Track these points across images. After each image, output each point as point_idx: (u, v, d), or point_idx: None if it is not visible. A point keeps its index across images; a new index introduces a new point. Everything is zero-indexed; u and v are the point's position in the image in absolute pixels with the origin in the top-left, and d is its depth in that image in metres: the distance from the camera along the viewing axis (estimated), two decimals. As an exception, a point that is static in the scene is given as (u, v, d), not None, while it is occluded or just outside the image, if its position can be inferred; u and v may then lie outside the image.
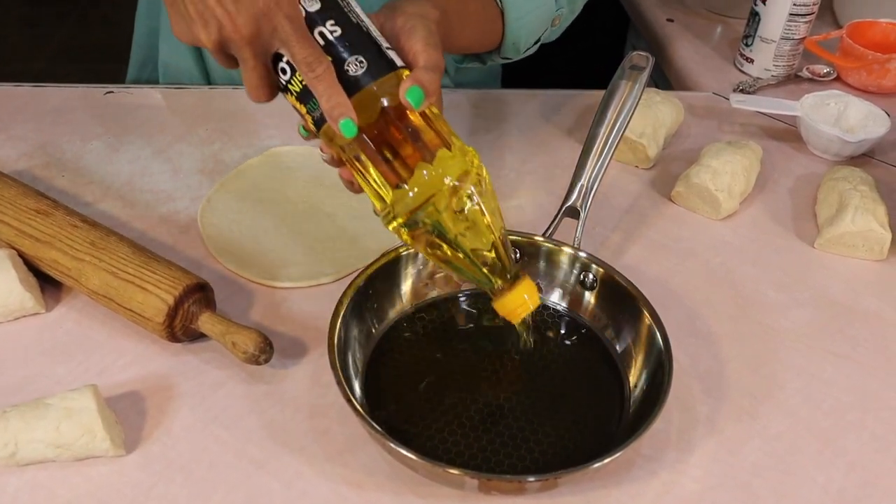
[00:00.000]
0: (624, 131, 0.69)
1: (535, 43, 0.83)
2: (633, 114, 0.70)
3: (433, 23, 0.59)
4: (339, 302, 0.59)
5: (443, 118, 0.55)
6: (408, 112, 0.52)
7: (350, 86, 0.52)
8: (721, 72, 1.05)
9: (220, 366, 0.61)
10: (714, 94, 0.98)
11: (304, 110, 0.54)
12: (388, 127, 0.52)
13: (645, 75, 0.71)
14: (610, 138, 0.69)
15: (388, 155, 0.52)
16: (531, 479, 0.51)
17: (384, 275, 0.63)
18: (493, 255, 0.54)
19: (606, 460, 0.50)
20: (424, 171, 0.51)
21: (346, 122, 0.51)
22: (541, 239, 0.66)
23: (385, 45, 0.54)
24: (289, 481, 0.54)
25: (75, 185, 0.78)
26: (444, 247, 0.53)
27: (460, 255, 0.54)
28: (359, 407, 0.52)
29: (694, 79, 1.05)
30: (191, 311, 0.61)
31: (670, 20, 1.17)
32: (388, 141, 0.52)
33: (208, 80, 0.96)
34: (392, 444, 0.50)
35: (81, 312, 0.65)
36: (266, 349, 0.59)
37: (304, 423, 0.58)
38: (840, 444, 0.59)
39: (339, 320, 0.58)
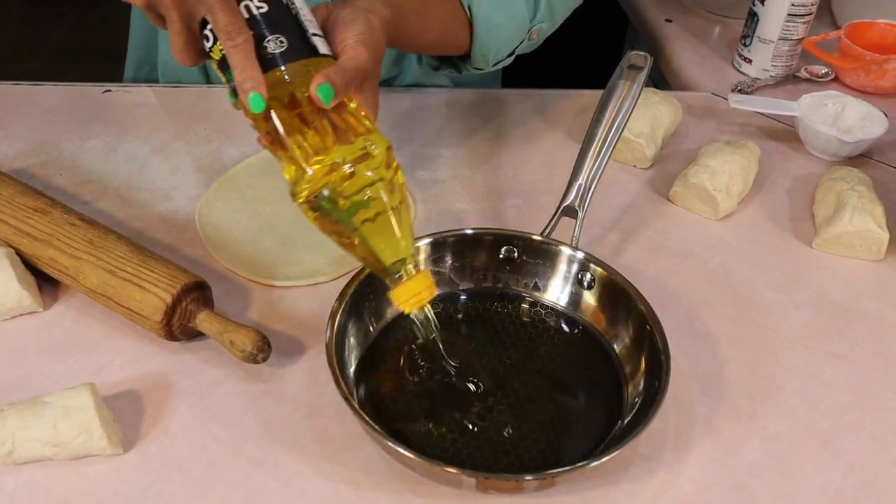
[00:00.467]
0: (622, 131, 0.69)
1: (510, 55, 0.82)
2: (631, 113, 0.70)
3: (378, 19, 0.60)
4: (337, 300, 0.59)
5: (359, 108, 0.56)
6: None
7: (266, 63, 0.53)
8: (719, 72, 1.05)
9: (217, 364, 0.61)
10: (712, 94, 0.98)
11: (224, 79, 0.56)
12: (298, 108, 0.53)
13: (643, 75, 0.71)
14: (608, 138, 0.69)
15: (297, 136, 0.53)
16: (528, 477, 0.51)
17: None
18: (393, 244, 0.54)
19: (604, 459, 0.50)
20: (323, 155, 0.52)
21: (254, 97, 0.52)
22: (539, 238, 0.66)
23: (313, 31, 0.55)
24: (287, 480, 0.54)
25: (73, 184, 0.77)
26: (347, 234, 0.54)
27: (360, 242, 0.54)
28: (357, 406, 0.52)
29: (692, 79, 1.05)
30: (189, 309, 0.61)
31: (669, 20, 1.17)
32: (298, 121, 0.53)
33: (208, 79, 0.96)
34: (390, 443, 0.50)
35: (79, 311, 0.65)
36: (264, 348, 0.59)
37: (302, 421, 0.58)
38: (838, 444, 0.59)
39: (337, 319, 0.58)
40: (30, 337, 0.63)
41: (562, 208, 0.68)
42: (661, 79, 1.14)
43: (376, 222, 0.54)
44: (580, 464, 0.50)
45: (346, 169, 0.52)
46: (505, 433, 0.56)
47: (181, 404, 0.59)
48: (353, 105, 0.56)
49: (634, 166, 0.85)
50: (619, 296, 0.62)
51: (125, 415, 0.58)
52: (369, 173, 0.53)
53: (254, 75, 0.52)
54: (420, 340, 0.61)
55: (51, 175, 0.78)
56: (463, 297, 0.67)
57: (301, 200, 0.53)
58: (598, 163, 0.68)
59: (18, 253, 0.65)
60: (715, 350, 0.65)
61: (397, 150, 0.56)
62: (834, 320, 0.69)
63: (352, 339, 0.60)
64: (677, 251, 0.75)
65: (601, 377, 0.61)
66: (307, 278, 0.69)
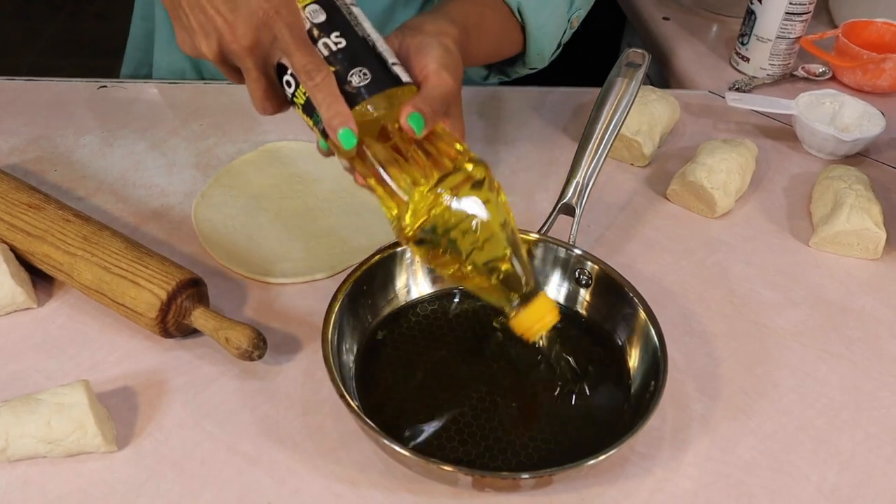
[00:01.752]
0: (620, 129, 0.69)
1: (559, 47, 0.82)
2: (629, 111, 0.70)
3: (451, 40, 0.58)
4: (334, 298, 0.59)
5: (450, 135, 0.54)
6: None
7: (351, 98, 0.51)
8: (717, 70, 1.05)
9: (212, 361, 0.61)
10: (710, 92, 0.98)
11: (310, 123, 0.53)
12: (390, 141, 0.51)
13: (641, 72, 0.71)
14: (606, 136, 0.69)
15: (394, 168, 0.51)
16: (525, 476, 0.51)
17: (379, 271, 0.63)
18: (508, 268, 0.52)
19: (600, 458, 0.49)
20: (423, 186, 0.50)
21: (344, 132, 0.50)
22: (536, 236, 0.66)
23: (392, 60, 0.53)
24: (281, 478, 0.54)
25: (68, 180, 0.77)
26: (458, 264, 0.52)
27: (473, 270, 0.52)
28: (352, 403, 0.52)
29: (690, 77, 1.05)
30: (184, 306, 0.60)
31: (666, 18, 1.17)
32: (392, 154, 0.51)
33: (202, 76, 0.96)
34: (386, 441, 0.49)
35: (73, 308, 0.65)
36: (259, 345, 0.59)
37: (297, 419, 0.58)
38: (833, 442, 0.59)
39: (334, 316, 0.57)
40: (24, 333, 0.63)
41: (559, 206, 0.68)
42: (658, 77, 1.14)
43: (486, 245, 0.51)
44: (576, 463, 0.49)
45: (449, 197, 0.50)
46: (501, 430, 0.56)
47: (175, 401, 0.58)
48: (441, 130, 0.53)
49: (632, 164, 0.85)
50: (616, 294, 0.62)
51: (119, 412, 0.57)
52: (473, 199, 0.50)
53: (341, 111, 0.50)
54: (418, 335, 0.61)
55: (45, 171, 0.78)
56: (460, 294, 0.66)
57: (409, 234, 0.50)
58: (595, 160, 0.68)
59: (12, 249, 0.65)
60: (711, 348, 0.65)
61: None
62: (830, 319, 0.69)
63: (348, 337, 0.60)
64: (674, 249, 0.75)
65: (600, 375, 0.61)
66: (303, 275, 0.69)
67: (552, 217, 0.68)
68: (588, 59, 1.19)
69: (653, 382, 0.56)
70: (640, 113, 0.84)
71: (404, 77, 0.53)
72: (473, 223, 0.50)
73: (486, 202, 0.51)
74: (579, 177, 0.68)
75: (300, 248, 0.71)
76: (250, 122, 0.87)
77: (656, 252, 0.74)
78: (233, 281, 0.68)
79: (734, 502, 0.55)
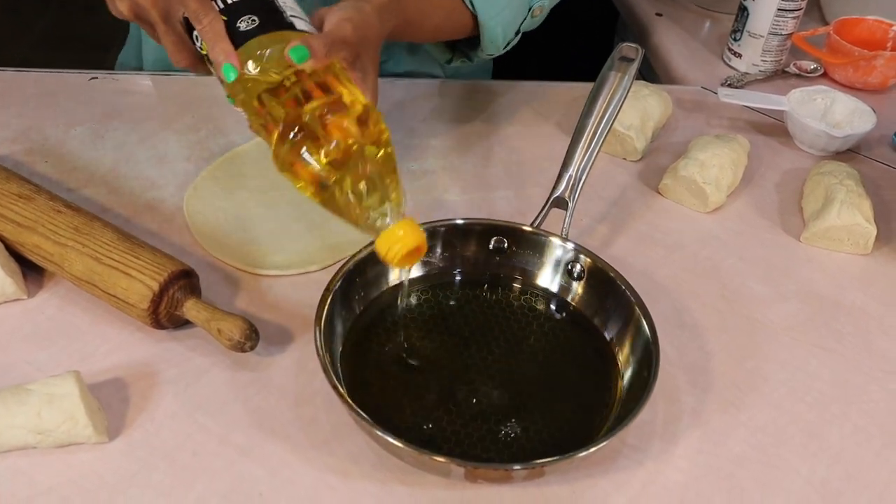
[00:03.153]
0: (613, 123, 0.69)
1: (517, 34, 0.83)
2: (622, 105, 0.70)
3: (371, 6, 0.62)
4: (327, 289, 0.59)
5: (349, 81, 0.56)
6: (309, 71, 0.54)
7: (238, 38, 0.55)
8: (709, 66, 1.06)
9: (204, 353, 0.61)
10: (702, 88, 0.99)
11: (214, 72, 0.57)
12: (291, 91, 0.54)
13: (634, 67, 0.71)
14: (599, 129, 0.69)
15: (273, 102, 0.54)
16: (517, 467, 0.51)
17: (371, 262, 0.63)
18: (375, 192, 0.53)
19: (591, 449, 0.50)
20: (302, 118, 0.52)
21: (226, 67, 0.55)
22: (529, 229, 0.66)
23: (291, 13, 0.57)
24: (274, 469, 0.54)
25: (58, 171, 0.77)
26: (326, 183, 0.53)
27: (342, 192, 0.53)
28: (345, 394, 0.52)
29: (682, 73, 1.05)
30: (176, 297, 0.60)
31: (659, 14, 1.17)
32: (277, 92, 0.54)
33: None
34: (378, 432, 0.49)
35: (64, 299, 0.64)
36: (251, 336, 0.59)
37: (289, 410, 0.58)
38: (824, 436, 0.59)
39: (326, 307, 0.57)
40: (13, 324, 0.62)
41: (552, 199, 0.68)
42: (650, 73, 1.14)
43: (357, 171, 0.53)
44: (568, 454, 0.49)
45: (317, 118, 0.52)
46: (493, 421, 0.56)
47: (167, 393, 0.58)
48: (340, 72, 0.56)
49: (624, 159, 0.85)
50: (608, 287, 0.62)
51: (110, 403, 0.57)
52: (345, 123, 0.52)
53: (225, 48, 0.55)
54: (404, 325, 0.61)
55: (35, 162, 0.77)
56: (452, 285, 0.66)
57: (280, 161, 0.54)
58: (588, 154, 0.68)
59: (2, 240, 0.64)
60: (702, 341, 0.66)
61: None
62: (821, 313, 0.70)
63: (340, 328, 0.60)
64: (666, 243, 0.75)
65: (592, 367, 0.61)
66: (296, 267, 0.69)
67: (544, 210, 0.68)
68: (580, 55, 1.19)
69: (645, 374, 0.56)
70: (632, 107, 0.84)
71: (300, 26, 0.57)
72: (334, 144, 0.52)
73: (352, 129, 0.53)
74: (572, 170, 0.68)
75: (293, 240, 0.71)
76: (244, 114, 0.86)
77: (648, 246, 0.75)
78: (224, 273, 0.68)
79: (725, 495, 0.55)
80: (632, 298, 0.60)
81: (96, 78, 0.90)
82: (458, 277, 0.67)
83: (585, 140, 0.69)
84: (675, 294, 0.70)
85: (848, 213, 0.73)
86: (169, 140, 0.82)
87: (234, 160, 0.80)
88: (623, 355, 0.60)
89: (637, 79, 0.74)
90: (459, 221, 0.67)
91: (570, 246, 0.65)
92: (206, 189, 0.76)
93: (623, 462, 0.56)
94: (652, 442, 0.57)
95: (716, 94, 0.93)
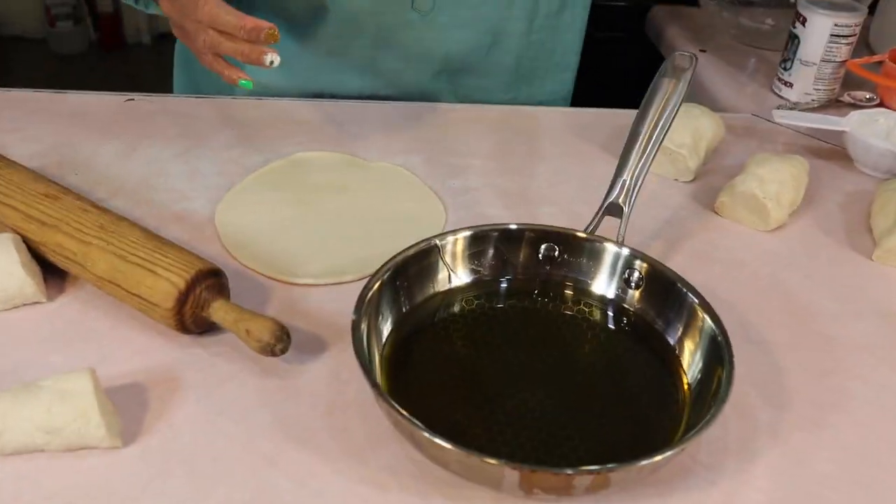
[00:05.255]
0: (669, 129, 0.65)
1: None
2: (676, 111, 0.66)
3: None
4: (369, 282, 0.54)
5: None
6: None
7: None
8: (758, 98, 1.02)
9: (230, 360, 0.56)
10: (754, 115, 0.95)
11: None
12: None
13: (689, 74, 0.68)
14: (654, 135, 0.65)
15: None
16: (578, 471, 0.44)
17: (417, 261, 0.58)
18: None
19: (667, 454, 0.44)
20: None
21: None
22: (582, 235, 0.62)
23: None
24: (301, 479, 0.48)
25: (88, 182, 0.74)
26: None
27: None
28: (383, 392, 0.46)
29: (731, 104, 1.02)
30: (203, 297, 0.56)
31: (703, 51, 1.15)
32: None
33: (232, 90, 0.94)
34: (422, 432, 0.44)
35: (84, 303, 0.60)
36: (283, 338, 0.54)
37: (320, 419, 0.52)
38: (920, 458, 0.52)
39: (367, 301, 0.53)
40: (30, 327, 0.58)
41: (606, 205, 0.64)
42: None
43: None
44: (638, 460, 0.43)
45: None
46: (547, 433, 0.50)
47: (188, 398, 0.53)
48: None
49: (676, 180, 0.81)
50: (668, 290, 0.57)
51: (127, 408, 0.52)
52: None
53: None
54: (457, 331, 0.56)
55: (65, 174, 0.75)
56: (499, 293, 0.61)
57: None
58: (643, 160, 0.64)
59: (26, 241, 0.61)
60: (773, 358, 0.60)
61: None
62: (902, 332, 0.63)
63: (381, 329, 0.55)
64: (726, 261, 0.70)
65: (654, 376, 0.55)
66: (330, 277, 0.64)
67: (598, 217, 0.63)
68: (623, 98, 1.16)
69: (714, 380, 0.50)
70: (684, 126, 0.80)
71: None
72: None
73: None
74: (626, 176, 0.64)
75: (327, 251, 0.67)
76: (280, 133, 0.84)
77: (706, 263, 0.69)
78: (255, 282, 0.64)
79: (812, 519, 0.48)
80: (695, 300, 0.55)
81: (132, 99, 0.89)
82: (504, 285, 0.62)
83: (640, 144, 0.65)
84: (739, 309, 0.64)
85: (924, 228, 0.68)
86: (202, 157, 0.80)
87: (269, 175, 0.77)
88: (688, 361, 0.55)
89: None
90: (513, 226, 0.62)
91: (625, 251, 0.60)
92: (238, 201, 0.73)
93: (694, 481, 0.50)
94: (726, 460, 0.51)
95: (768, 121, 0.89)
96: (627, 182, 0.64)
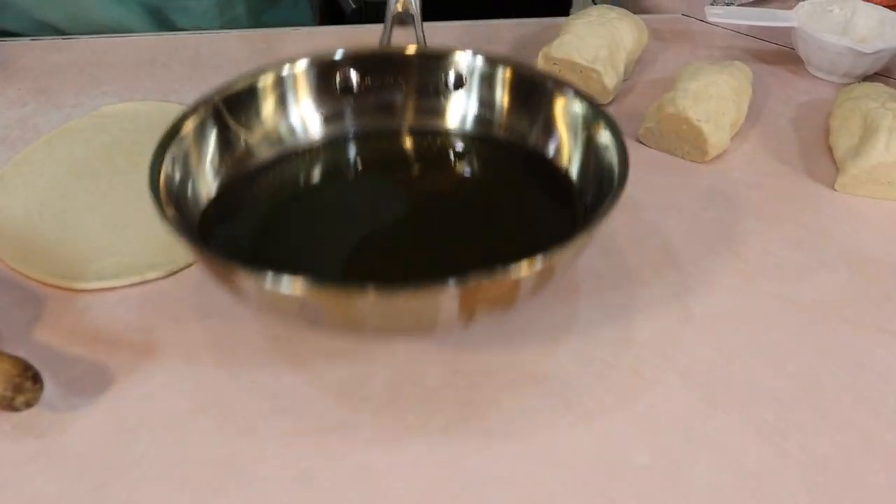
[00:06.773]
0: None
1: None
2: None
3: None
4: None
5: None
6: None
7: None
8: (689, -5, 0.86)
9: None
10: (683, 15, 0.79)
11: None
12: None
13: None
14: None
15: None
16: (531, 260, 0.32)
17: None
18: None
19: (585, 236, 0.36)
20: None
21: None
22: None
23: None
24: None
25: None
26: None
27: None
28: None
29: (655, 4, 0.85)
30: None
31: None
32: None
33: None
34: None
35: None
36: (24, 385, 0.37)
37: (92, 493, 0.36)
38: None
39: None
40: None
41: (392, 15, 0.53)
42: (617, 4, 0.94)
43: None
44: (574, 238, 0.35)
45: None
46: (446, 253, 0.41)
47: None
48: None
49: (590, 103, 0.65)
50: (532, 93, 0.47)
51: None
52: None
53: None
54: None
55: None
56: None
57: None
58: None
59: None
60: (717, 339, 0.45)
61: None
62: (878, 283, 0.49)
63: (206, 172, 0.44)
64: (656, 205, 0.55)
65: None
66: (130, 275, 0.48)
67: (388, 30, 0.53)
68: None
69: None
70: (596, 35, 0.64)
71: None
72: None
73: None
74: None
75: (130, 238, 0.50)
76: (85, 81, 0.66)
77: (631, 211, 0.54)
78: (25, 291, 0.47)
79: None
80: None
81: None
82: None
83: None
84: (675, 273, 0.49)
85: (900, 145, 0.53)
86: (-21, 119, 0.61)
87: (63, 138, 0.59)
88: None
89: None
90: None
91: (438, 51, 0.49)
92: (17, 177, 0.55)
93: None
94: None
95: (700, 20, 0.73)
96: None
